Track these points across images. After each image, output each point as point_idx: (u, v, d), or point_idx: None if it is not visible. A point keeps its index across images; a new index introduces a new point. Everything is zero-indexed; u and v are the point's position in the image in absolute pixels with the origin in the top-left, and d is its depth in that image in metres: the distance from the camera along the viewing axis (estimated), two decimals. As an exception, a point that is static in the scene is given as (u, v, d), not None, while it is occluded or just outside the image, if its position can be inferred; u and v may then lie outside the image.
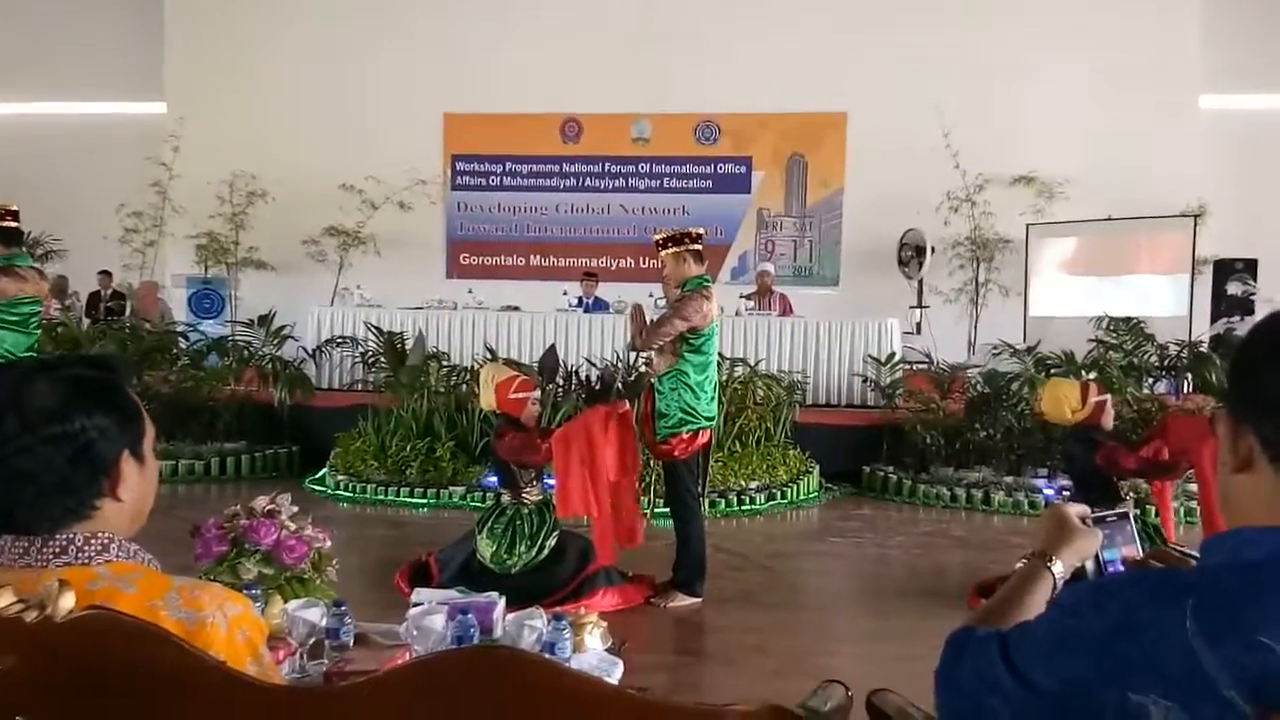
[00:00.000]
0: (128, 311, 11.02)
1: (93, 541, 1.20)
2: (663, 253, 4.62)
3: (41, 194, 11.71)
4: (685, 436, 4.49)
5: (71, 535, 1.20)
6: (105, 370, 1.26)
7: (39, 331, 4.80)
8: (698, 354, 4.51)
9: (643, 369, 4.90)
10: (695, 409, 4.50)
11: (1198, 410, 6.36)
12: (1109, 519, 1.30)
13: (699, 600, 4.56)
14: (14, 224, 4.63)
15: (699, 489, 4.99)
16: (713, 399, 4.66)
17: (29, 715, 1.06)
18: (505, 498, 4.68)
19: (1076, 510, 1.29)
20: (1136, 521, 4.37)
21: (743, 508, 6.74)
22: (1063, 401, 4.64)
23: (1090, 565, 1.27)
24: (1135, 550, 1.29)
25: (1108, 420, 4.68)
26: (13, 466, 1.17)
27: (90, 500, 1.21)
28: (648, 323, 4.67)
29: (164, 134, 11.73)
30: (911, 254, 10.94)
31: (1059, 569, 1.23)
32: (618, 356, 8.02)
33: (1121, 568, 1.27)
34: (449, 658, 1.16)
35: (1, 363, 3.93)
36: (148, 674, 1.04)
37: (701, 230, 4.79)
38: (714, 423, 4.79)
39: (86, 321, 9.94)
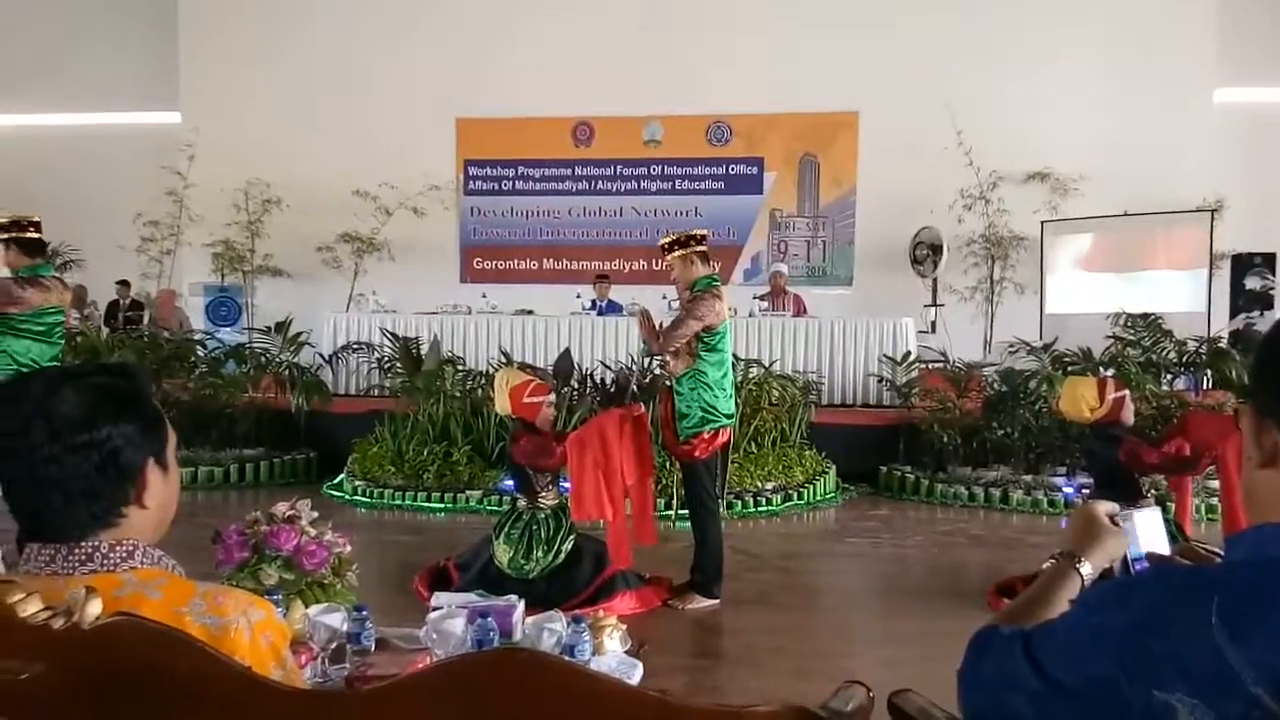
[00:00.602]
0: (145, 320, 11.11)
1: (118, 548, 1.22)
2: (669, 256, 4.66)
3: (58, 204, 11.78)
4: (706, 436, 4.51)
5: (97, 542, 1.21)
6: (129, 378, 1.28)
7: (63, 341, 4.83)
8: (713, 352, 4.54)
9: (659, 372, 4.93)
10: (715, 407, 4.52)
11: (1218, 407, 6.32)
12: (1133, 512, 1.28)
13: (717, 602, 4.56)
14: (37, 234, 4.66)
15: (718, 490, 5.00)
16: (730, 396, 4.69)
17: (58, 721, 1.07)
18: (521, 502, 4.69)
19: (1105, 509, 1.26)
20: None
21: (759, 509, 6.73)
22: (1080, 401, 4.61)
23: (1117, 565, 1.24)
24: (1163, 547, 1.27)
25: (1128, 415, 4.65)
26: (41, 475, 1.18)
27: (116, 508, 1.23)
28: (656, 326, 4.69)
29: (179, 143, 11.82)
30: (927, 252, 10.89)
31: (1087, 570, 1.20)
32: (632, 359, 8.03)
33: (1147, 564, 1.25)
34: (471, 661, 1.17)
35: (27, 371, 3.96)
36: (173, 679, 1.05)
37: (706, 231, 4.84)
38: (734, 420, 4.80)
39: (105, 331, 10.02)
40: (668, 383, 4.69)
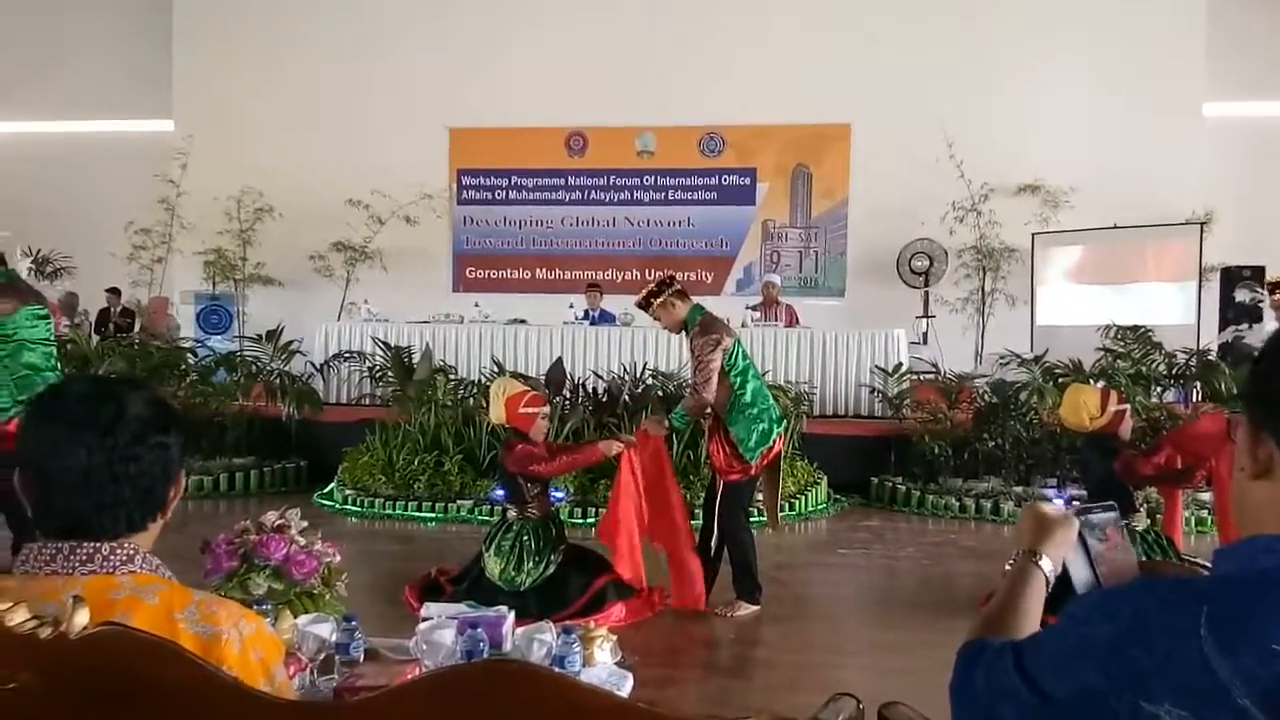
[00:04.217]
0: (136, 328, 11.06)
1: (119, 551, 1.23)
2: (650, 310, 4.73)
3: (51, 211, 11.84)
4: (765, 450, 4.57)
5: (98, 544, 1.22)
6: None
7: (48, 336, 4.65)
8: (738, 374, 4.60)
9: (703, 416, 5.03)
10: (770, 416, 4.61)
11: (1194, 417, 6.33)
12: (1092, 509, 1.29)
13: (759, 607, 4.62)
14: None
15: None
16: (771, 402, 4.75)
17: (43, 732, 1.06)
18: (511, 513, 4.68)
19: (1048, 506, 1.29)
20: (1150, 533, 4.28)
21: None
22: (1082, 408, 4.62)
23: (1080, 562, 1.24)
24: (1118, 533, 1.27)
25: (1126, 430, 4.66)
26: (118, 471, 1.22)
27: (156, 511, 1.28)
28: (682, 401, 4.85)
29: (172, 151, 11.82)
30: (926, 262, 10.93)
31: (1047, 565, 1.21)
32: (624, 369, 8.03)
33: (1106, 537, 1.25)
34: (460, 672, 1.16)
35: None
36: (161, 689, 1.05)
37: (673, 272, 4.98)
38: (784, 425, 4.85)
39: (95, 338, 9.97)
40: (710, 414, 4.73)
